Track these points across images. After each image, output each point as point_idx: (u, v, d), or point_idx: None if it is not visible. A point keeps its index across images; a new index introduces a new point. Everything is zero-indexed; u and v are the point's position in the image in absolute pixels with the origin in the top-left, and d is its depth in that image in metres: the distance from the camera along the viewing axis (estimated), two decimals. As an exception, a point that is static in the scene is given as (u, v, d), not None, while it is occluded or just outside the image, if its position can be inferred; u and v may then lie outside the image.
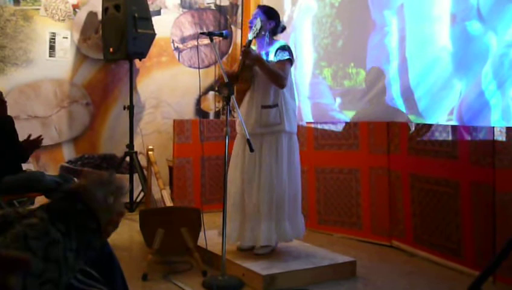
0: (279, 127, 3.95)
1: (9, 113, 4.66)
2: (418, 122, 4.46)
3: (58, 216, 1.04)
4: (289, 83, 4.03)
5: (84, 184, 1.14)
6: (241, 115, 3.88)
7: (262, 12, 4.04)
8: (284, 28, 4.22)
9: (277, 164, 3.95)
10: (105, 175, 1.17)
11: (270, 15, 4.06)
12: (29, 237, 0.99)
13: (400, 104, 4.68)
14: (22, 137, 4.60)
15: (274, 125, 3.94)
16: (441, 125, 4.21)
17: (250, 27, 3.97)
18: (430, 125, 4.28)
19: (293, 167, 4.04)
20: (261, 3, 6.38)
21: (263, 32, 3.99)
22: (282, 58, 3.93)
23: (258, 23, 3.88)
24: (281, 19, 4.20)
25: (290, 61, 3.97)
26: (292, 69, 4.09)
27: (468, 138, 3.93)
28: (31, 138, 4.57)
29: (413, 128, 4.44)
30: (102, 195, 1.13)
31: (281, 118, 3.94)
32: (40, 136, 4.61)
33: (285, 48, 3.98)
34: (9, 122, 4.61)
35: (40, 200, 4.99)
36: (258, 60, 3.88)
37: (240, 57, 4.01)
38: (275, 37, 4.13)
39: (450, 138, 4.09)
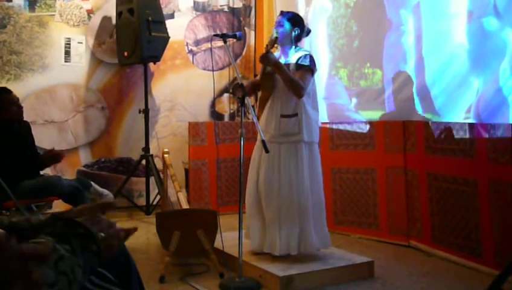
0: (298, 137, 3.88)
1: (25, 118, 4.70)
2: (435, 120, 4.42)
3: (61, 239, 1.08)
4: (311, 93, 3.97)
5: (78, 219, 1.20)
6: (261, 124, 3.85)
7: (287, 19, 3.96)
8: (309, 32, 4.16)
9: (297, 171, 3.88)
10: (94, 216, 1.23)
11: (295, 22, 3.98)
12: None
13: (416, 103, 4.65)
14: (39, 142, 4.63)
15: (292, 135, 3.88)
16: (458, 123, 4.17)
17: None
18: (447, 124, 4.24)
19: (315, 178, 3.97)
20: (274, 6, 6.39)
21: (287, 42, 3.95)
22: (303, 65, 3.85)
23: (273, 34, 3.85)
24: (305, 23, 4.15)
25: (311, 70, 3.90)
26: (315, 78, 4.03)
27: (486, 135, 3.88)
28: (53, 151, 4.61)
29: (437, 131, 4.38)
30: (95, 230, 1.18)
31: (300, 128, 3.87)
32: (62, 151, 4.65)
33: (306, 58, 3.89)
34: (27, 127, 4.65)
35: (58, 204, 5.03)
36: (277, 64, 3.83)
37: (261, 64, 3.96)
38: (299, 44, 4.07)
39: (468, 136, 4.04)
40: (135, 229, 1.35)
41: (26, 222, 1.31)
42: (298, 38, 4.04)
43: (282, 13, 4.10)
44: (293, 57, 3.95)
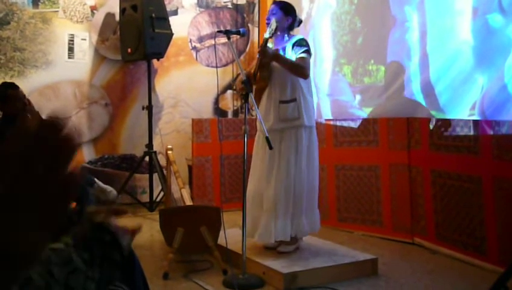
0: (299, 122, 3.92)
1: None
2: (439, 117, 4.40)
3: (84, 245, 1.02)
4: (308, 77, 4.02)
5: (111, 222, 1.12)
6: (261, 113, 3.86)
7: (279, 8, 4.01)
8: (300, 22, 4.20)
9: (296, 159, 3.92)
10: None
11: (287, 11, 4.03)
12: (52, 263, 0.96)
13: (420, 100, 4.63)
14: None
15: (293, 120, 3.92)
16: (462, 120, 4.16)
17: (268, 24, 3.95)
18: (451, 121, 4.22)
19: (312, 162, 4.01)
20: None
21: (280, 31, 3.97)
22: (299, 54, 3.90)
23: (273, 24, 3.85)
24: (297, 12, 4.19)
25: (308, 52, 3.94)
26: (311, 64, 4.06)
27: (491, 132, 3.87)
28: None
29: (433, 124, 4.38)
30: (127, 242, 1.12)
31: (300, 112, 3.91)
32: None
33: (301, 43, 3.95)
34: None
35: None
36: (276, 57, 3.87)
37: (257, 56, 3.99)
38: (291, 32, 4.11)
39: (472, 132, 4.03)
40: (139, 228, 1.28)
41: None
42: (291, 27, 4.08)
43: (274, 2, 4.16)
44: (288, 44, 3.98)
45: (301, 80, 3.94)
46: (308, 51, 3.94)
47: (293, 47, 3.94)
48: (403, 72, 4.78)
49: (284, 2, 4.16)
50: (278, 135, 3.90)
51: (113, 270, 1.08)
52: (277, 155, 3.93)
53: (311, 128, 4.02)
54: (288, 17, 4.02)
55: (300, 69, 3.87)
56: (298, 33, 4.26)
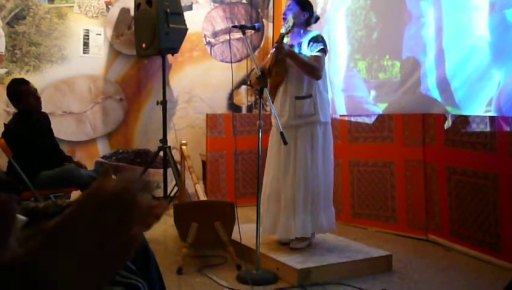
0: (314, 118, 3.92)
1: (44, 109, 4.74)
2: (455, 113, 4.37)
3: None
4: (323, 74, 3.99)
5: None
6: (276, 108, 3.86)
7: (296, 3, 4.00)
8: (317, 18, 4.18)
9: (312, 155, 3.92)
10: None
11: (304, 6, 4.02)
12: None
13: (436, 96, 4.59)
14: (57, 133, 4.66)
15: (309, 116, 3.92)
16: (478, 116, 4.12)
17: (284, 19, 3.94)
18: (467, 117, 4.19)
19: (327, 159, 4.01)
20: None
21: (296, 26, 3.96)
22: (315, 51, 3.88)
23: (290, 20, 3.84)
24: (314, 9, 4.17)
25: (324, 51, 3.92)
26: (326, 60, 4.04)
27: (507, 129, 3.83)
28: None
29: (449, 120, 4.35)
30: None
31: (315, 109, 3.92)
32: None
33: (318, 40, 3.93)
34: (45, 118, 4.69)
35: (76, 194, 5.06)
36: (291, 54, 3.85)
37: (272, 51, 3.98)
38: (308, 28, 4.10)
39: (488, 129, 3.99)
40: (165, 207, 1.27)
41: (54, 205, 1.31)
42: (307, 23, 4.07)
43: None
44: (304, 40, 3.97)
45: None
46: (324, 49, 3.92)
47: (309, 43, 3.92)
48: (419, 67, 4.74)
49: None
50: (293, 132, 3.90)
51: None
52: (293, 152, 3.93)
53: (326, 124, 4.02)
54: (305, 12, 4.01)
55: (313, 70, 3.85)
56: (313, 29, 4.23)
